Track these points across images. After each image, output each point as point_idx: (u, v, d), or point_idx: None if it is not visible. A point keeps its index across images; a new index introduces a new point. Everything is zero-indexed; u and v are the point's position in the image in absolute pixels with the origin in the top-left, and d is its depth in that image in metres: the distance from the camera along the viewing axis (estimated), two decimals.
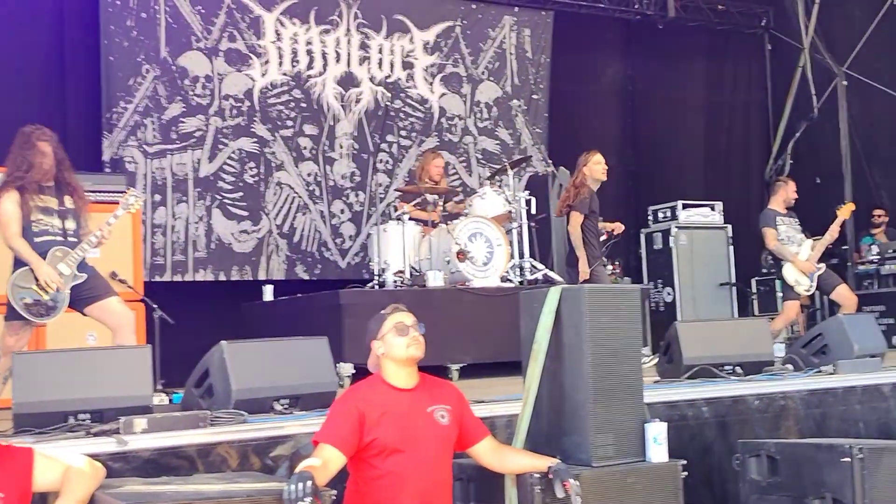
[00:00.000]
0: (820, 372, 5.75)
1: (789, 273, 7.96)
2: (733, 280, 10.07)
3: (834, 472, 4.17)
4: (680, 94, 12.62)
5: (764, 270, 10.75)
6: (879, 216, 11.04)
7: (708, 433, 4.93)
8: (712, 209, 10.17)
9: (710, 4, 12.33)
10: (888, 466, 4.17)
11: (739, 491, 4.61)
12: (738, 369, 5.69)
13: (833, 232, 8.03)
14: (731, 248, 10.18)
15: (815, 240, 8.09)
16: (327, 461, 3.29)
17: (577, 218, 7.51)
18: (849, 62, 11.92)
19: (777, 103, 12.96)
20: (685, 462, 3.86)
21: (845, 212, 8.30)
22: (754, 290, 10.86)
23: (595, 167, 7.66)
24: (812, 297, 8.97)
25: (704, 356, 5.64)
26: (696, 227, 9.83)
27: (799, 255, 7.97)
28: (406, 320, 3.57)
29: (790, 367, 5.97)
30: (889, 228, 11.08)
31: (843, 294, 8.03)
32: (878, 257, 10.45)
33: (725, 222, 10.32)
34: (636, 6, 11.76)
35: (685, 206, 9.91)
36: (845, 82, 12.04)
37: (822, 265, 8.05)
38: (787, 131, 12.76)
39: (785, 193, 8.17)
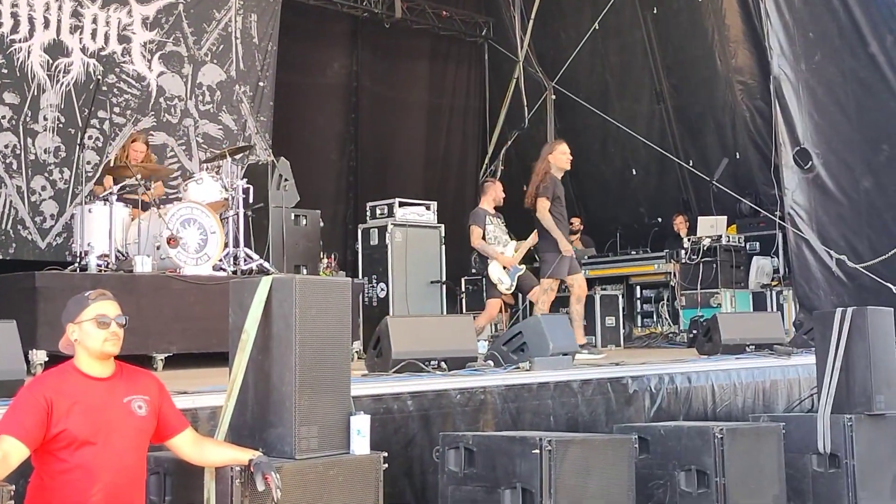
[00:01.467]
0: (518, 368, 6.02)
1: (493, 271, 8.33)
2: (444, 278, 10.41)
3: (524, 464, 4.38)
4: (403, 94, 12.91)
5: (473, 270, 11.22)
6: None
7: (412, 426, 5.04)
8: (427, 208, 10.46)
9: (435, 9, 12.72)
10: (573, 457, 4.44)
11: (438, 482, 4.75)
12: (444, 364, 5.88)
13: (536, 236, 8.50)
14: (444, 247, 10.52)
15: (519, 242, 8.53)
16: (7, 454, 3.07)
17: (543, 203, 7.79)
18: (557, 78, 12.72)
19: (493, 111, 13.61)
20: (386, 454, 3.94)
21: None
22: (463, 288, 11.31)
23: (560, 156, 7.92)
24: (515, 296, 9.45)
25: (412, 351, 5.76)
26: (411, 226, 10.05)
27: (503, 255, 8.37)
28: (109, 312, 3.38)
29: (491, 363, 6.22)
30: (584, 236, 11.95)
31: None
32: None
33: (439, 222, 10.65)
34: (364, 3, 11.89)
35: (402, 205, 10.11)
36: (554, 96, 12.85)
37: (524, 266, 8.50)
38: (500, 138, 13.44)
39: (494, 193, 8.58)
